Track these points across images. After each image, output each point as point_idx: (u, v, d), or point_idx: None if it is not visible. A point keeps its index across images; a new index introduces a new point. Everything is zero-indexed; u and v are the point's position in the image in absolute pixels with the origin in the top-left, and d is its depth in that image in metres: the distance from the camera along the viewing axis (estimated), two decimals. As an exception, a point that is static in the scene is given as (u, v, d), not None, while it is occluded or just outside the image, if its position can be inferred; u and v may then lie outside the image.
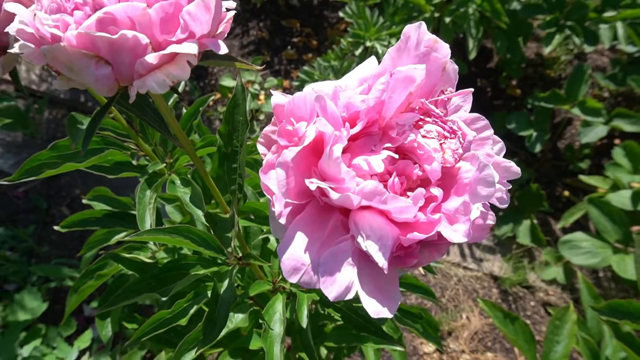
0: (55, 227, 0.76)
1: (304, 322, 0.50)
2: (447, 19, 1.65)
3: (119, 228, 0.75)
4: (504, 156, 0.37)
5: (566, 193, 1.93)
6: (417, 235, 0.29)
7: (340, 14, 1.71)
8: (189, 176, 0.61)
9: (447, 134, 0.33)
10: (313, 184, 0.29)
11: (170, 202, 0.82)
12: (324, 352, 0.86)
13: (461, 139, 0.33)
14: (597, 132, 1.68)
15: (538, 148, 1.79)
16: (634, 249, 0.96)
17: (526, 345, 0.97)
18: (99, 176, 0.63)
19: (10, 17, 0.29)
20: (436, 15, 1.76)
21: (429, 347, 1.59)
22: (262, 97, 2.05)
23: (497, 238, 1.83)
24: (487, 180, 0.28)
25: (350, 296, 0.30)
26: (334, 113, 0.30)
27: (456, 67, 0.36)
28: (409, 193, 0.31)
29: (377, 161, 0.31)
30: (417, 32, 0.33)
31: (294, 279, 0.29)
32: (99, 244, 0.80)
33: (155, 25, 0.27)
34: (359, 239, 0.30)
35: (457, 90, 0.36)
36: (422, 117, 0.33)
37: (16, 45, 0.28)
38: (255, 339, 0.67)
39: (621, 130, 1.66)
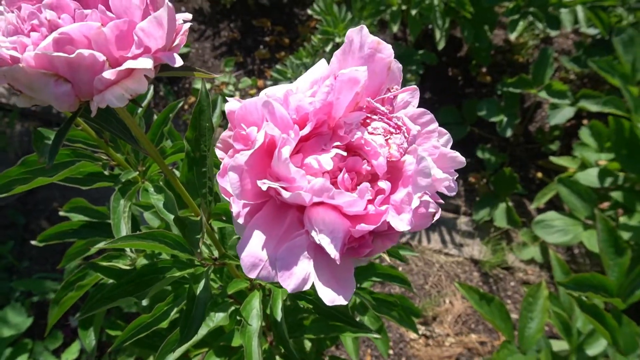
0: (33, 242, 0.76)
1: (279, 316, 0.52)
2: (414, 11, 1.68)
3: (97, 238, 0.76)
4: (455, 146, 0.40)
5: (539, 175, 1.99)
6: (364, 227, 0.32)
7: (309, 12, 1.73)
8: (161, 183, 0.63)
9: (392, 130, 0.35)
10: (265, 184, 0.31)
11: (148, 208, 0.83)
12: (308, 344, 0.89)
13: (406, 134, 0.35)
14: (564, 113, 1.73)
15: (509, 133, 1.84)
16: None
17: (502, 324, 1.01)
18: (77, 188, 0.64)
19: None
20: (403, 8, 1.79)
21: (414, 334, 1.63)
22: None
23: (475, 223, 1.88)
24: (425, 172, 0.31)
25: (307, 287, 0.32)
26: (283, 116, 0.32)
27: (400, 65, 0.38)
28: (359, 188, 0.33)
29: (326, 159, 0.33)
30: (359, 35, 0.36)
31: (253, 275, 0.31)
32: (78, 255, 0.81)
33: (110, 42, 0.29)
34: (313, 233, 0.32)
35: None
36: (368, 115, 0.36)
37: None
38: (237, 336, 0.69)
39: (588, 110, 1.72)
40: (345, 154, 0.34)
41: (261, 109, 0.32)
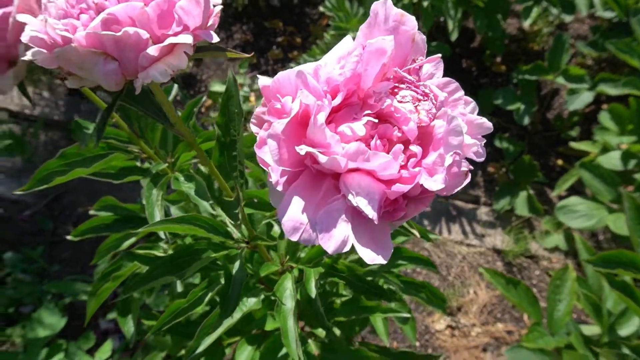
0: (68, 237, 0.79)
1: (313, 293, 0.53)
2: (425, 3, 1.68)
3: (130, 231, 0.78)
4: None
5: (559, 162, 1.97)
6: (400, 187, 0.33)
7: (321, 9, 1.74)
8: (191, 171, 0.65)
9: (420, 97, 0.36)
10: (302, 150, 0.32)
11: (175, 203, 0.86)
12: (337, 332, 0.90)
13: (434, 100, 0.36)
14: (583, 98, 1.71)
15: (527, 120, 1.83)
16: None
17: (530, 307, 1.00)
18: (103, 192, 0.67)
19: (19, 28, 0.32)
20: (415, 0, 1.80)
21: (440, 325, 1.63)
22: (252, 98, 2.09)
23: (496, 212, 1.87)
24: (456, 130, 0.32)
25: (346, 248, 0.33)
26: (315, 86, 0.34)
27: (424, 37, 0.39)
28: (392, 150, 0.34)
29: (359, 126, 0.34)
30: (383, 7, 0.37)
31: (295, 237, 0.33)
32: (111, 250, 0.84)
33: (153, 21, 0.31)
34: (350, 197, 0.33)
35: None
36: (396, 84, 0.37)
37: (29, 52, 0.31)
38: (270, 321, 0.71)
39: (606, 94, 1.70)
40: (376, 121, 0.35)
41: (294, 79, 0.34)
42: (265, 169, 0.35)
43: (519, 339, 1.58)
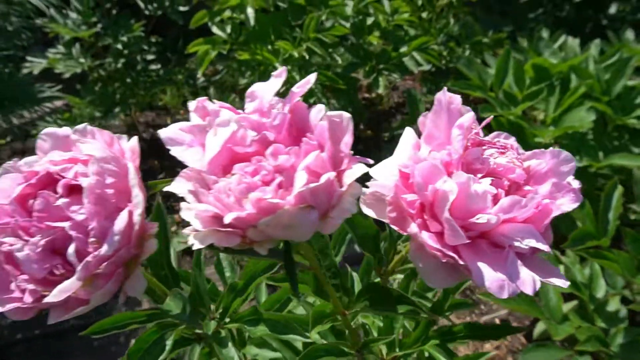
0: None
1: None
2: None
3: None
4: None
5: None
6: (548, 219, 0.40)
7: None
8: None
9: (502, 150, 0.45)
10: (480, 218, 0.37)
11: None
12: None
13: (512, 150, 0.45)
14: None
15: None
16: None
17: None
18: None
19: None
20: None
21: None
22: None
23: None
24: (567, 159, 0.41)
25: (538, 286, 0.38)
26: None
27: (467, 107, 0.49)
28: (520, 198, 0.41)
29: (490, 187, 0.40)
30: (445, 95, 0.45)
31: (504, 294, 0.37)
32: None
33: (328, 164, 0.34)
34: (516, 243, 0.39)
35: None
36: (478, 147, 0.45)
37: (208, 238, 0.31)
38: None
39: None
40: (490, 180, 0.42)
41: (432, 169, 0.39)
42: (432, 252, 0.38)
43: None
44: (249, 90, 0.38)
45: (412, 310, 0.43)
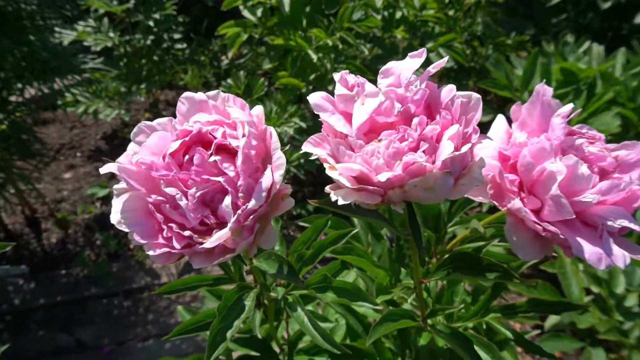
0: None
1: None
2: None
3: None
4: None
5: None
6: (635, 204, 0.44)
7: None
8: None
9: (592, 140, 0.49)
10: (587, 198, 0.41)
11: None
12: None
13: (599, 141, 0.49)
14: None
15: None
16: None
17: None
18: None
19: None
20: (310, 88, 2.02)
21: None
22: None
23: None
24: (660, 151, 0.45)
25: (628, 261, 0.42)
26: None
27: (556, 101, 0.53)
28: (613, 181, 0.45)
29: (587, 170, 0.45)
30: (543, 87, 0.49)
31: (603, 266, 0.41)
32: None
33: (462, 136, 0.38)
34: (609, 223, 0.43)
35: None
36: (571, 136, 0.49)
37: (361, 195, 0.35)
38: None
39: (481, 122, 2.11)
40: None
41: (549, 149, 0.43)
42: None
43: None
44: (384, 67, 0.42)
45: (503, 276, 0.47)
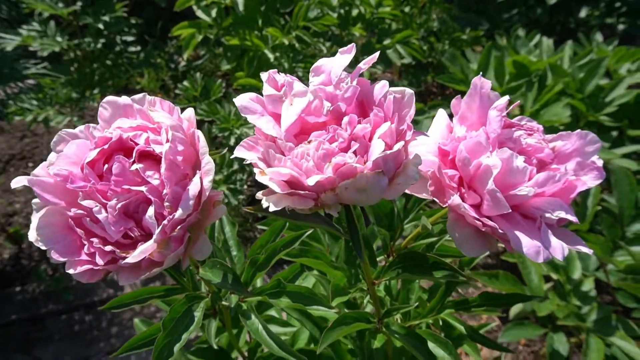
0: None
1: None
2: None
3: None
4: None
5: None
6: (576, 190, 0.44)
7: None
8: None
9: (530, 132, 0.49)
10: (523, 191, 0.41)
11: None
12: None
13: (538, 133, 0.49)
14: (426, 124, 2.12)
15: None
16: None
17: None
18: None
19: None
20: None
21: None
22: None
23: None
24: (593, 140, 0.45)
25: (566, 253, 0.42)
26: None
27: (495, 93, 0.53)
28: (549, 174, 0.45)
29: (522, 163, 0.44)
30: (480, 80, 0.49)
31: (540, 259, 0.41)
32: None
33: (395, 134, 0.37)
34: (547, 215, 0.43)
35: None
36: (508, 128, 0.49)
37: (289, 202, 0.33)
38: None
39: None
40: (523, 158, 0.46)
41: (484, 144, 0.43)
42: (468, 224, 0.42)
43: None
44: (315, 65, 0.40)
45: (449, 275, 0.46)
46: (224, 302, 0.64)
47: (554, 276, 1.22)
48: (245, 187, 1.91)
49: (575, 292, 1.16)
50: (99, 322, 1.77)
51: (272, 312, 0.93)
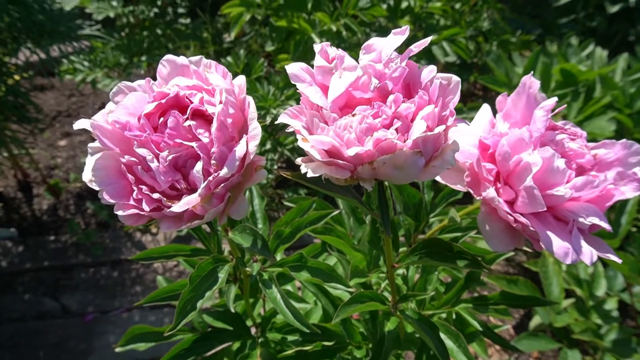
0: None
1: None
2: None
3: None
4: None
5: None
6: (608, 203, 0.44)
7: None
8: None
9: (573, 137, 0.49)
10: (559, 191, 0.41)
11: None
12: None
13: (581, 138, 0.49)
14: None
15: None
16: None
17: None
18: None
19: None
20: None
21: None
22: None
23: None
24: (637, 152, 0.45)
25: (595, 259, 0.42)
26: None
27: (542, 94, 0.52)
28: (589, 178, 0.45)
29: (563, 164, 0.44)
30: (530, 79, 0.49)
31: (569, 260, 0.41)
32: None
33: (437, 118, 0.37)
34: (581, 219, 0.43)
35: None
36: (552, 131, 0.49)
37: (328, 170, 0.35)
38: None
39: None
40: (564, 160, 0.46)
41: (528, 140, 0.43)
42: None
43: None
44: (366, 43, 0.41)
45: (472, 264, 0.47)
46: (247, 269, 0.66)
47: (577, 290, 1.20)
48: (275, 167, 1.94)
49: (596, 309, 1.14)
50: (123, 279, 1.85)
51: (289, 287, 0.95)
